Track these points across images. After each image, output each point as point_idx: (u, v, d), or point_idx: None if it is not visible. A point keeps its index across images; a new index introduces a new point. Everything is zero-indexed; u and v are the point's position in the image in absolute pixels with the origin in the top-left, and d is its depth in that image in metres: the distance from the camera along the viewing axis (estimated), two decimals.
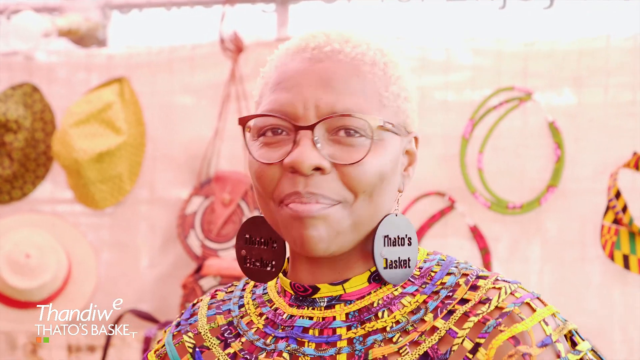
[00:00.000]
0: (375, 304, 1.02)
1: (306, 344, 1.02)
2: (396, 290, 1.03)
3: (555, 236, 2.44)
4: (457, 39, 2.51)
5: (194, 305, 1.19)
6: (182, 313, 1.19)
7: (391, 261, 1.01)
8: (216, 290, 1.18)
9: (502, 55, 2.46)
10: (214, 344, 1.09)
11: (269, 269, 1.07)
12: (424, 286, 1.03)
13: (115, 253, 2.75)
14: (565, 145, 2.41)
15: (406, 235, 1.03)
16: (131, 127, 2.65)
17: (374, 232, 1.01)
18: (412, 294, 1.02)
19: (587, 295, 2.42)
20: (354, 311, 1.02)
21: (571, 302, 2.41)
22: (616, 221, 2.32)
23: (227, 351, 1.08)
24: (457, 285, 1.01)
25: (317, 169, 0.97)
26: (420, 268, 1.05)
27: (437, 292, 1.02)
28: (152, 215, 2.70)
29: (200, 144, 2.60)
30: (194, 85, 2.69)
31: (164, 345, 1.15)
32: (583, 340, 1.01)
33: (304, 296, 1.05)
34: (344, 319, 1.02)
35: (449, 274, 1.03)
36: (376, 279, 1.03)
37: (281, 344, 1.03)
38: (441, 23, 2.69)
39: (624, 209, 2.30)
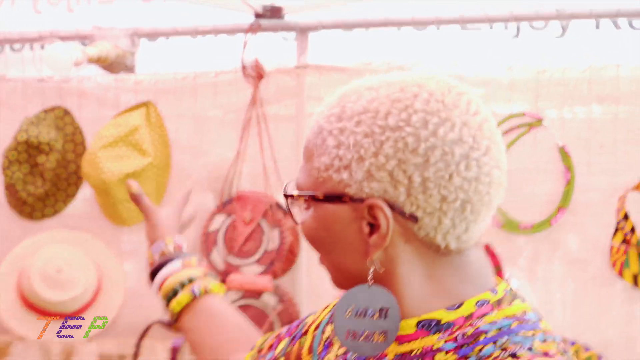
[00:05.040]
0: (413, 352, 0.96)
1: None
2: (439, 342, 0.95)
3: (567, 255, 2.51)
4: (470, 66, 2.58)
5: None
6: None
7: (355, 332, 0.96)
8: None
9: (515, 82, 2.54)
10: None
11: None
12: (464, 346, 0.93)
13: (141, 266, 2.82)
14: (576, 169, 2.49)
15: (381, 308, 0.95)
16: (157, 150, 2.74)
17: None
18: (447, 352, 0.94)
19: (600, 313, 2.48)
20: (399, 353, 0.97)
21: (585, 320, 2.48)
22: (625, 242, 2.39)
23: None
24: (488, 358, 0.91)
25: None
26: (477, 327, 0.94)
27: (466, 358, 0.92)
28: None
29: (223, 165, 2.68)
30: (217, 110, 2.78)
31: None
32: None
33: None
34: (391, 358, 0.98)
35: (494, 342, 0.92)
36: (426, 327, 0.96)
37: None
38: (455, 51, 2.77)
39: (632, 230, 2.39)
